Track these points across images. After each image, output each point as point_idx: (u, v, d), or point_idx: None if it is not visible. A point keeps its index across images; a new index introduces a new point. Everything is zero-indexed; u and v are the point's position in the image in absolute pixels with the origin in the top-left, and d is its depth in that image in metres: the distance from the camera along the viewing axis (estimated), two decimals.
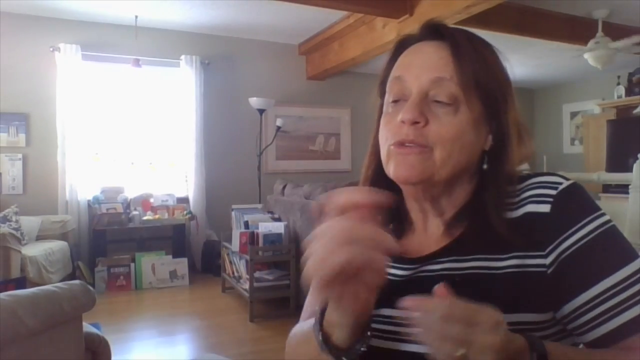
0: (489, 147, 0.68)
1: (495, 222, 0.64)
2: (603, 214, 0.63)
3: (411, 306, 0.48)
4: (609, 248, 0.61)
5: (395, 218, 0.74)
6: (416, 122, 0.63)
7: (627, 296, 0.57)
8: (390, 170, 0.67)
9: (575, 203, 0.63)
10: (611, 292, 0.58)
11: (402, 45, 0.72)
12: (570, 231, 0.61)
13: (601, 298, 0.58)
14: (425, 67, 0.66)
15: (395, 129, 0.66)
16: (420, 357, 0.53)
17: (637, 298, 0.57)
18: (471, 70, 0.64)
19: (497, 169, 0.67)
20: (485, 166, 0.68)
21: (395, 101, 0.68)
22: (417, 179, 0.65)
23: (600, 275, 0.59)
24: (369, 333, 0.59)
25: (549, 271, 0.61)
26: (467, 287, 0.63)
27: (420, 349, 0.50)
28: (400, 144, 0.65)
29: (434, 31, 0.69)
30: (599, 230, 0.61)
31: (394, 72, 0.69)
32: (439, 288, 0.49)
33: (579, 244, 0.61)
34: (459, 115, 0.64)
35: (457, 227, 0.68)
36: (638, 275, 0.58)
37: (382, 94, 0.74)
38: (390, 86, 0.69)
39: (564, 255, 0.61)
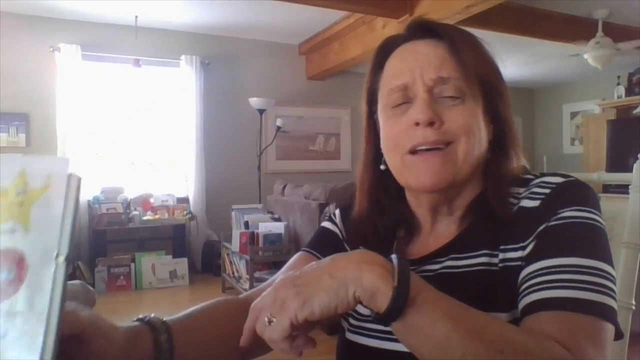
0: (492, 137, 0.68)
1: (499, 209, 0.63)
2: (594, 213, 0.60)
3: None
4: (580, 237, 0.58)
5: (402, 223, 0.73)
6: (432, 123, 0.62)
7: (565, 278, 0.54)
8: (411, 180, 0.65)
9: (566, 195, 0.62)
10: (557, 269, 0.55)
11: (388, 48, 0.71)
12: (551, 218, 0.60)
13: (545, 271, 0.56)
14: (426, 68, 0.65)
15: (408, 133, 0.64)
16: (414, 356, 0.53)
17: (573, 284, 0.54)
18: (472, 65, 0.65)
19: (502, 158, 0.68)
20: (489, 155, 0.68)
21: (397, 105, 0.67)
22: (443, 184, 0.63)
23: (559, 253, 0.57)
24: None
25: (524, 263, 0.60)
26: (469, 284, 0.63)
27: None
28: (415, 150, 0.63)
29: (423, 29, 0.69)
30: (579, 220, 0.59)
31: (392, 81, 0.68)
32: None
33: (553, 223, 0.59)
34: (467, 105, 0.64)
35: (465, 223, 0.68)
36: (590, 270, 0.55)
37: (370, 101, 0.73)
38: (388, 94, 0.68)
39: (537, 235, 0.60)
